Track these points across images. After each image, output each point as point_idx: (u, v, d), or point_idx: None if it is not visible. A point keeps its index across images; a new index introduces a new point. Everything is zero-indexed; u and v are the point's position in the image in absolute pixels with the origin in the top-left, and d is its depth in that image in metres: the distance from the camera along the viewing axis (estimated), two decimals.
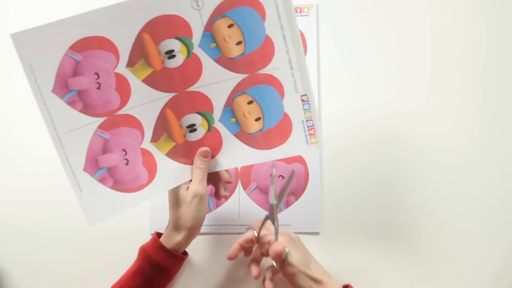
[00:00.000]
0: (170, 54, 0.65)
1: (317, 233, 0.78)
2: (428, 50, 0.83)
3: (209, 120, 0.69)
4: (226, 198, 0.69)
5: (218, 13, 0.64)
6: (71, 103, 0.63)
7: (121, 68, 0.63)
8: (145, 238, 0.74)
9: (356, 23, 0.84)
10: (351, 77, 0.83)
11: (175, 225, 0.68)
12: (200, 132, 0.69)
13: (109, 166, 0.66)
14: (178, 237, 0.68)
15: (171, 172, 0.68)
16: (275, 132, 0.69)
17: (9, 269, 0.77)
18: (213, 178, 0.71)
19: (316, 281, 0.64)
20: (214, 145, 0.70)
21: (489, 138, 0.80)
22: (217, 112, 0.69)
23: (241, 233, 0.71)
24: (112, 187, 0.66)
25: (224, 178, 0.70)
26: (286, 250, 0.63)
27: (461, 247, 0.77)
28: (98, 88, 0.63)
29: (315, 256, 0.70)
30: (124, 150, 0.66)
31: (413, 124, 0.81)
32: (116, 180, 0.66)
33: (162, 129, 0.67)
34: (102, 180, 0.65)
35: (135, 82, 0.64)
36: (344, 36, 0.84)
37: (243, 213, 0.73)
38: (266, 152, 0.69)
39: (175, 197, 0.68)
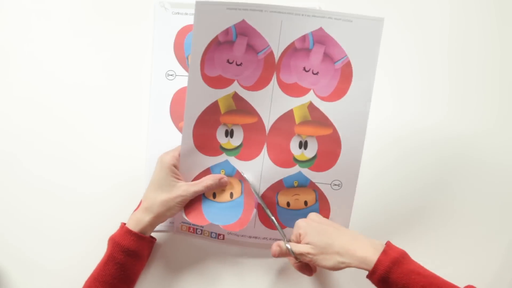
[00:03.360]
0: (302, 145, 0.70)
1: None
2: (434, 53, 0.82)
3: (232, 151, 0.71)
4: None
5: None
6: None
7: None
8: None
9: None
10: None
11: (147, 206, 0.69)
12: (221, 139, 0.70)
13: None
14: (146, 219, 0.68)
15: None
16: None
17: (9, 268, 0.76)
18: None
19: (340, 254, 0.63)
20: (209, 151, 0.71)
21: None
22: (235, 162, 0.71)
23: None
24: None
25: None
26: (287, 245, 0.65)
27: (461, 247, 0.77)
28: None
29: None
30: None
31: (423, 116, 0.81)
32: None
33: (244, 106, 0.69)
34: None
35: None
36: None
37: None
38: None
39: (163, 180, 0.69)
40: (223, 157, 0.71)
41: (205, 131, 0.69)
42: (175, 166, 0.70)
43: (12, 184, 0.78)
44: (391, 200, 0.78)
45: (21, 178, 0.78)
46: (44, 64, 0.81)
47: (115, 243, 0.68)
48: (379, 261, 0.61)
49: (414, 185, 0.79)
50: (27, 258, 0.76)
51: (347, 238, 0.65)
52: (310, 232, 0.65)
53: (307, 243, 0.65)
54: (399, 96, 0.81)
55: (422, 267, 0.61)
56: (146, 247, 0.71)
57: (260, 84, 0.67)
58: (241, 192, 0.71)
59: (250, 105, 0.68)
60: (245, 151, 0.70)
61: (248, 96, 0.68)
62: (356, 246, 0.63)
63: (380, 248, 0.62)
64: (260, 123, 0.69)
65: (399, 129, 0.80)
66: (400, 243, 0.64)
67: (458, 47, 0.82)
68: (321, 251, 0.63)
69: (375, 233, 0.75)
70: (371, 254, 0.62)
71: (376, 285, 0.62)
